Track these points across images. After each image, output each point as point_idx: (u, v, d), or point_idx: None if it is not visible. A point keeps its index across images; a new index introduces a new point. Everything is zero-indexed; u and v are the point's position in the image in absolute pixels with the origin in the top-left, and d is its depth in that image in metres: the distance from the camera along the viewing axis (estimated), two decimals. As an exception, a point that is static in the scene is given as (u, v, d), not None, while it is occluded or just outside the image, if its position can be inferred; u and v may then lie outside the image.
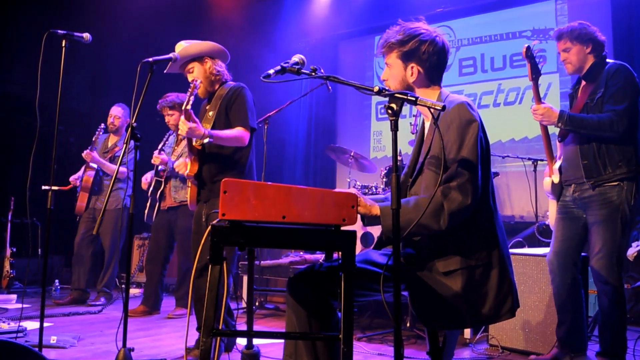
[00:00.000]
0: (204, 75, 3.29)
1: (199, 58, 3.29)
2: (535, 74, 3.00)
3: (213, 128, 3.21)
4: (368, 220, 2.03)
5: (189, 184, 3.33)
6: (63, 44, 3.02)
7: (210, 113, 3.28)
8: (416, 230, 1.91)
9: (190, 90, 3.14)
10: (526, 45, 2.95)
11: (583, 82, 3.08)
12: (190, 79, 3.27)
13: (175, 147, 4.86)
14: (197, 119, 3.08)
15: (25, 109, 6.97)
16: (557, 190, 3.12)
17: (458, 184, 1.91)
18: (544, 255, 3.29)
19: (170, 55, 3.10)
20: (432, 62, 2.13)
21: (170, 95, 4.84)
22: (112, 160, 5.41)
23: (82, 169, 5.43)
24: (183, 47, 3.25)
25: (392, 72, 2.18)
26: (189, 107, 3.06)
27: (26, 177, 3.13)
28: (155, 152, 4.76)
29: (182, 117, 3.06)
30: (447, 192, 1.91)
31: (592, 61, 3.02)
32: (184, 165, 3.28)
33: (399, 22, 2.20)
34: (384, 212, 1.93)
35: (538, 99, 3.03)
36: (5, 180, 7.07)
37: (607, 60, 3.02)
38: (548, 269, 3.13)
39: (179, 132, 3.21)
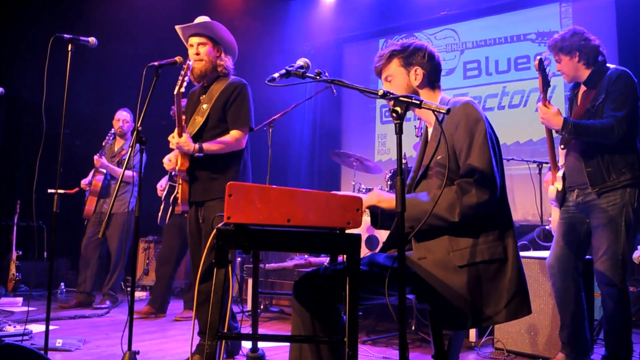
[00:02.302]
0: (210, 59, 3.15)
1: (215, 41, 3.17)
2: (546, 85, 2.99)
3: (206, 123, 3.11)
4: (381, 220, 2.04)
5: (179, 181, 3.17)
6: (69, 48, 3.03)
7: (205, 106, 3.14)
8: (431, 222, 1.93)
9: (183, 72, 2.99)
10: (539, 57, 2.94)
11: (583, 87, 3.08)
12: (191, 52, 3.14)
13: None
14: (186, 130, 2.98)
15: (32, 113, 7.00)
16: (561, 198, 3.12)
17: (475, 179, 1.93)
18: (549, 259, 3.29)
19: (175, 59, 3.07)
20: (431, 65, 2.20)
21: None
22: (120, 163, 5.44)
23: (91, 173, 5.46)
24: (211, 22, 3.15)
25: (395, 81, 2.22)
26: (182, 89, 2.96)
27: (32, 180, 3.15)
28: (165, 158, 4.76)
29: (174, 132, 2.99)
30: (463, 185, 1.94)
31: (584, 69, 3.01)
32: (174, 159, 3.13)
33: (384, 42, 2.28)
34: (408, 202, 1.93)
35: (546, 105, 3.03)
36: (12, 183, 7.11)
37: (608, 65, 3.01)
38: (548, 273, 3.13)
39: (170, 144, 3.10)
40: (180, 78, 2.98)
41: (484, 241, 1.97)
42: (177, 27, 3.18)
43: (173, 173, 4.85)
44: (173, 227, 4.93)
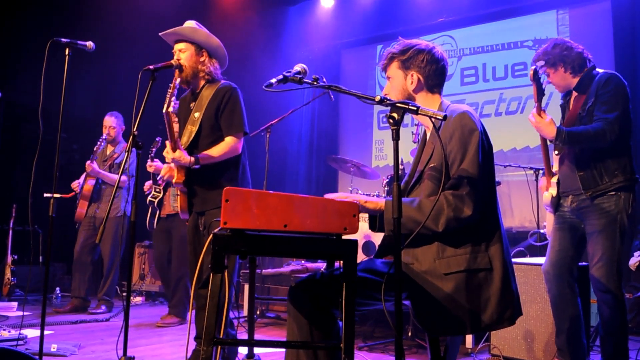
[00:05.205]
0: (191, 64, 3.10)
1: (197, 46, 3.13)
2: (540, 95, 3.01)
3: (199, 132, 3.09)
4: (379, 224, 2.05)
5: (178, 192, 3.16)
6: (66, 52, 3.03)
7: (197, 114, 3.11)
8: (414, 228, 1.94)
9: (170, 91, 2.97)
10: (533, 68, 2.95)
11: (574, 93, 3.09)
12: (174, 57, 3.11)
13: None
14: (181, 146, 2.98)
15: (30, 117, 7.01)
16: (556, 203, 3.13)
17: (462, 193, 1.95)
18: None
19: (172, 61, 3.07)
20: (431, 70, 2.18)
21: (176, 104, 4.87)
22: (112, 167, 5.43)
23: (83, 176, 5.45)
24: (192, 26, 3.11)
25: (393, 83, 2.23)
26: (170, 109, 2.95)
27: (29, 184, 3.14)
28: (149, 161, 4.78)
29: (167, 146, 2.97)
30: (450, 198, 1.94)
31: (572, 78, 3.02)
32: (169, 170, 3.11)
33: (399, 39, 2.27)
34: (388, 205, 1.98)
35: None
36: (8, 187, 7.10)
37: (597, 70, 3.02)
38: (544, 279, 3.13)
39: (166, 159, 3.08)
40: (168, 97, 2.96)
41: (470, 251, 1.97)
42: (161, 34, 3.17)
43: (158, 177, 4.89)
44: (160, 232, 5.00)
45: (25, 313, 4.85)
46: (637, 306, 4.41)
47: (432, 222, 1.94)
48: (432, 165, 2.07)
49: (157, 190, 4.98)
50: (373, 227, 2.21)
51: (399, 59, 2.21)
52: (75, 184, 5.47)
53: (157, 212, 4.98)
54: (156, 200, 4.97)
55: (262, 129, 4.65)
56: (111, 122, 5.49)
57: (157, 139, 5.03)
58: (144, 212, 5.05)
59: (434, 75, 2.19)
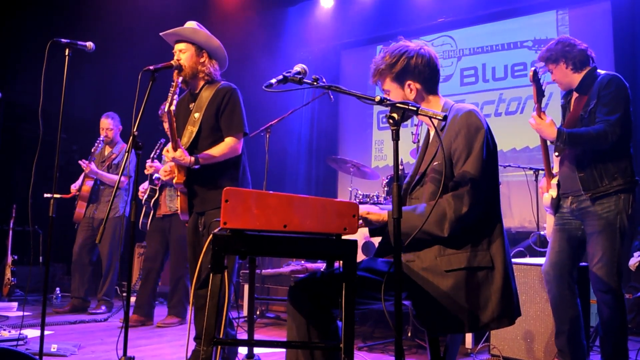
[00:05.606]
0: (191, 65, 3.10)
1: (198, 46, 3.13)
2: (540, 96, 3.01)
3: (199, 132, 3.09)
4: (379, 231, 2.05)
5: (177, 193, 3.16)
6: (66, 53, 3.03)
7: (196, 115, 3.10)
8: (420, 237, 1.94)
9: (172, 89, 2.97)
10: (532, 69, 2.95)
11: (575, 94, 3.09)
12: (175, 57, 3.11)
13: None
14: (181, 144, 2.98)
15: (30, 118, 7.01)
16: (556, 205, 3.13)
17: (462, 192, 1.95)
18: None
19: (171, 62, 3.06)
20: (426, 73, 2.15)
21: None
22: (110, 168, 5.43)
23: (81, 177, 5.45)
24: (192, 27, 3.11)
25: (392, 95, 2.20)
26: (172, 107, 2.93)
27: (29, 184, 3.14)
28: (148, 161, 4.77)
29: (168, 146, 2.97)
30: (451, 200, 1.95)
31: (574, 74, 3.03)
32: (169, 171, 3.08)
33: (381, 49, 2.23)
34: (391, 216, 1.95)
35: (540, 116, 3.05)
36: (8, 187, 7.10)
37: (599, 71, 3.03)
38: (544, 280, 3.13)
39: (166, 158, 3.07)
40: (170, 95, 2.95)
41: (472, 249, 1.97)
42: (161, 35, 3.17)
43: (155, 176, 4.87)
44: (155, 232, 4.96)
45: (25, 313, 4.85)
46: (636, 307, 4.41)
47: (437, 228, 1.94)
48: (437, 163, 2.07)
49: (153, 190, 4.98)
50: (373, 233, 2.22)
51: (390, 73, 2.16)
52: (74, 188, 5.47)
53: (152, 212, 4.98)
54: (152, 200, 4.96)
55: (261, 130, 4.65)
56: (108, 124, 5.48)
57: (161, 141, 5.03)
58: (138, 211, 5.05)
59: (430, 77, 2.16)
